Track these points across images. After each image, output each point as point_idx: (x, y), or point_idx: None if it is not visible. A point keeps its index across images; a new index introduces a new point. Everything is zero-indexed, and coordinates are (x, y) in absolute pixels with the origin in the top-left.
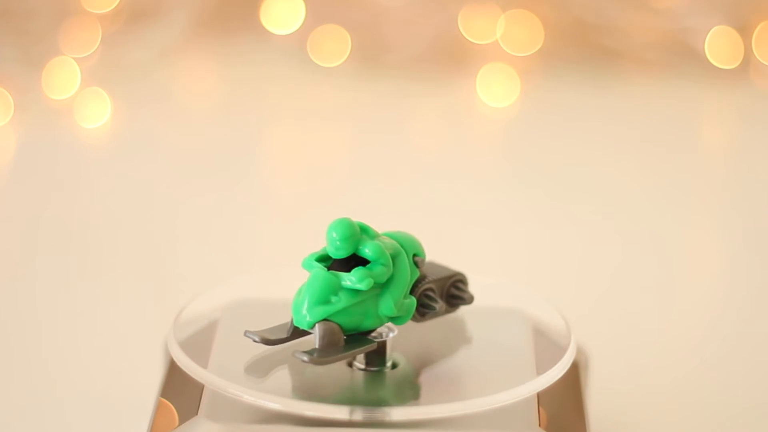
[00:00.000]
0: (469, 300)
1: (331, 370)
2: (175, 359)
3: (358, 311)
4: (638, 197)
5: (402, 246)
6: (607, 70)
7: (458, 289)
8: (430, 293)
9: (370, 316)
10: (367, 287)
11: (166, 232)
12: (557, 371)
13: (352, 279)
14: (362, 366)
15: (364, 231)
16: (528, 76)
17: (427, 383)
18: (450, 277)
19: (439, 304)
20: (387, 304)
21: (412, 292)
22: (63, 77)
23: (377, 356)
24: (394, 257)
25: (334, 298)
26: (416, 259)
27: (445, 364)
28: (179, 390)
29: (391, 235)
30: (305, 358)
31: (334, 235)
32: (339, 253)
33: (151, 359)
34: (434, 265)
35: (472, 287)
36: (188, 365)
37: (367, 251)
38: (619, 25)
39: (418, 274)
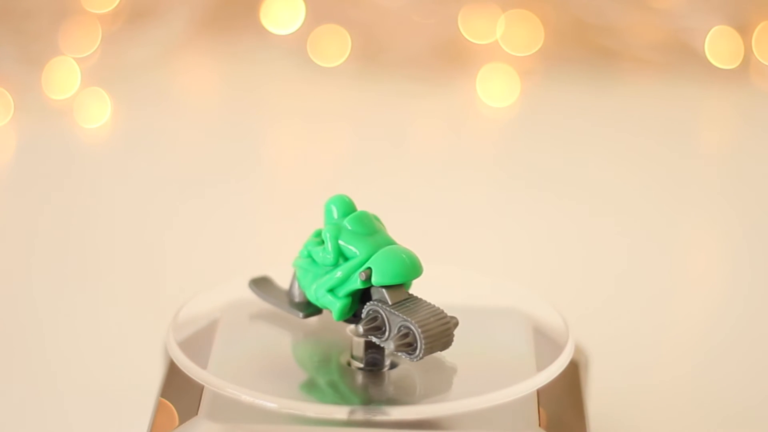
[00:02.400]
0: (382, 355)
1: (331, 370)
2: (173, 359)
3: (305, 277)
4: (638, 197)
5: (372, 255)
6: (607, 70)
7: (398, 333)
8: (372, 314)
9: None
10: (300, 255)
11: (166, 231)
12: (555, 369)
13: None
14: (362, 366)
15: (362, 221)
16: (528, 76)
17: (426, 382)
18: (401, 318)
19: (359, 329)
20: (308, 285)
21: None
22: (63, 77)
23: (377, 356)
24: (347, 256)
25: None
26: (361, 272)
27: (444, 364)
28: (179, 390)
29: (393, 247)
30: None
31: (333, 207)
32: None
33: (151, 359)
34: (431, 311)
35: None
36: (187, 365)
37: (326, 232)
38: (619, 25)
39: (358, 283)
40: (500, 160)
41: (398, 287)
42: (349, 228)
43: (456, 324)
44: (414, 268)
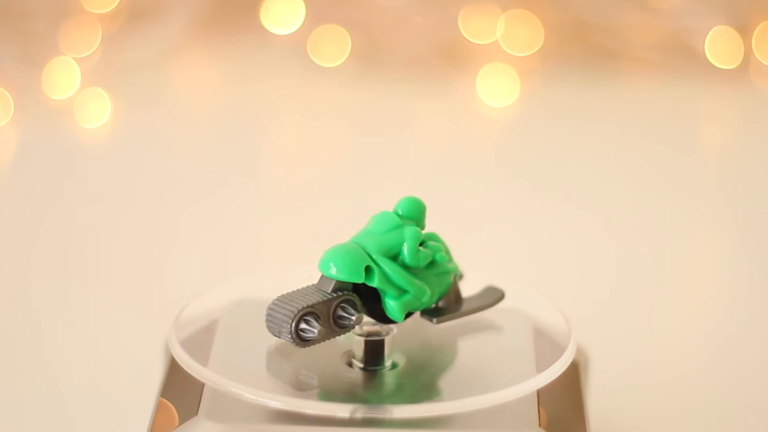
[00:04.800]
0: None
1: (332, 370)
2: (176, 359)
3: None
4: (638, 197)
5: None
6: (607, 70)
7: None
8: None
9: None
10: None
11: (167, 231)
12: (557, 369)
13: None
14: (362, 365)
15: (379, 221)
16: (528, 76)
17: (426, 382)
18: None
19: None
20: None
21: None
22: (63, 77)
23: (377, 355)
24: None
25: None
26: None
27: (444, 364)
28: (179, 390)
29: (342, 244)
30: None
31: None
32: None
33: (151, 359)
34: (293, 305)
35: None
36: (190, 364)
37: None
38: (619, 25)
39: None
40: (500, 160)
41: (327, 279)
42: (371, 222)
43: (302, 341)
44: (326, 270)
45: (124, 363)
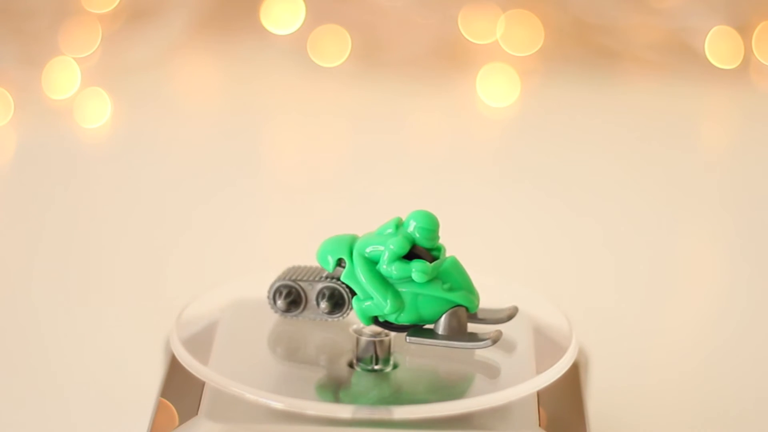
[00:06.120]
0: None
1: (333, 370)
2: (178, 358)
3: None
4: (638, 197)
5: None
6: (607, 70)
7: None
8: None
9: None
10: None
11: (167, 231)
12: (558, 370)
13: None
14: (363, 366)
15: (386, 223)
16: (528, 76)
17: (427, 382)
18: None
19: None
20: None
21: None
22: (63, 77)
23: (378, 356)
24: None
25: None
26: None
27: (445, 364)
28: (179, 390)
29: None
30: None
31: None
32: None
33: (151, 359)
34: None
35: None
36: (191, 364)
37: None
38: (619, 25)
39: None
40: (500, 159)
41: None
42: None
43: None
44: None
45: (124, 363)
